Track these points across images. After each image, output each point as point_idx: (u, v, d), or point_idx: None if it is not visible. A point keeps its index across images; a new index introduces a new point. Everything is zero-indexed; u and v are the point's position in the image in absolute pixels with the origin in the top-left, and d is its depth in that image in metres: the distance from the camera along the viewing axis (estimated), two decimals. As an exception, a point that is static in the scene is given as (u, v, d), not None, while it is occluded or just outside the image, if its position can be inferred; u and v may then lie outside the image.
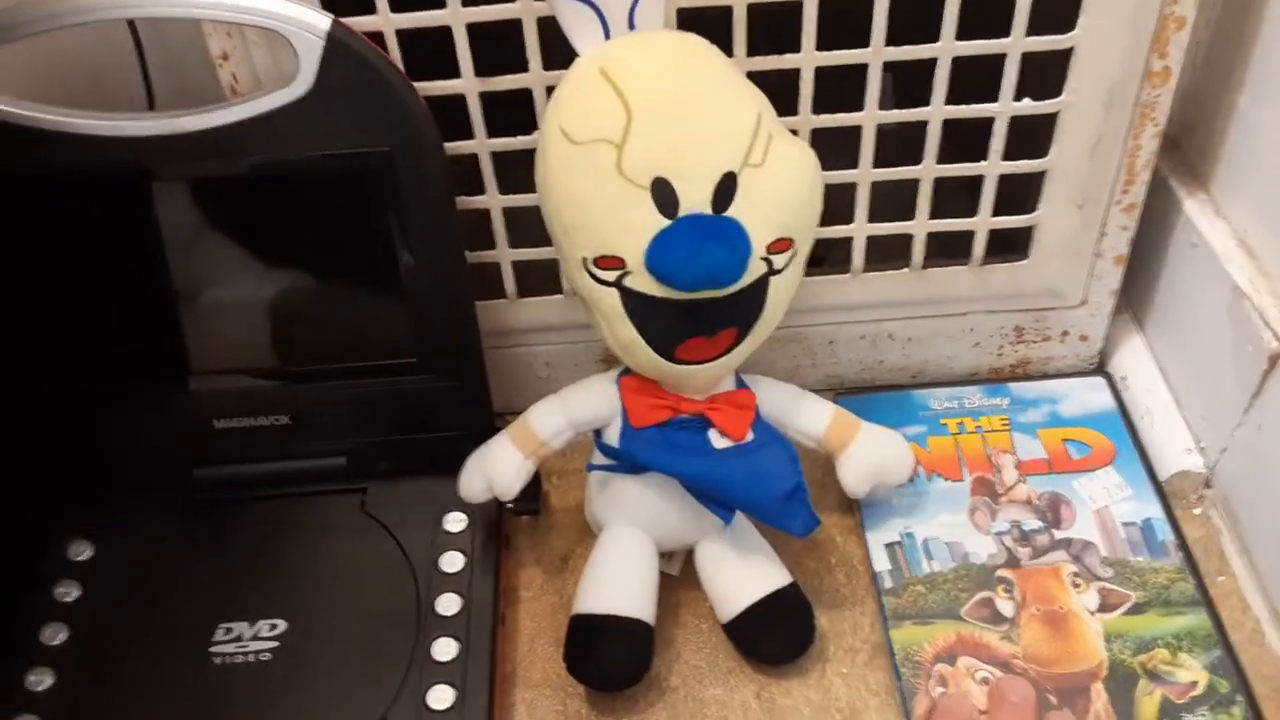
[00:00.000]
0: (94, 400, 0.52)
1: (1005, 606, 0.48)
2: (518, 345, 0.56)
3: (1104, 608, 0.48)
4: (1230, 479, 0.52)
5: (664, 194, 0.39)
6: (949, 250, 0.53)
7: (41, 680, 0.48)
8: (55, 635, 0.49)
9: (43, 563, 0.52)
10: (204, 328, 0.51)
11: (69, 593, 0.51)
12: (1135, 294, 0.59)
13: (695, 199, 0.39)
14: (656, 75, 0.39)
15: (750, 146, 0.40)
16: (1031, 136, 0.49)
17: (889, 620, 0.49)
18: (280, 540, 0.52)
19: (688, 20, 0.42)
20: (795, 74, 0.46)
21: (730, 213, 0.40)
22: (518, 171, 0.48)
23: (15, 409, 0.51)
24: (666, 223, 0.40)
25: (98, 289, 0.49)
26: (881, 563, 0.51)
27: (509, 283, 0.53)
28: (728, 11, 0.43)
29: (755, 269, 0.41)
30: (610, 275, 0.41)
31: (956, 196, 0.51)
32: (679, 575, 0.52)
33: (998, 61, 0.46)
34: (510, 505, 0.52)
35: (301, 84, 0.42)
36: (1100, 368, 0.59)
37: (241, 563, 0.52)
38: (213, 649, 0.48)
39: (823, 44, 0.45)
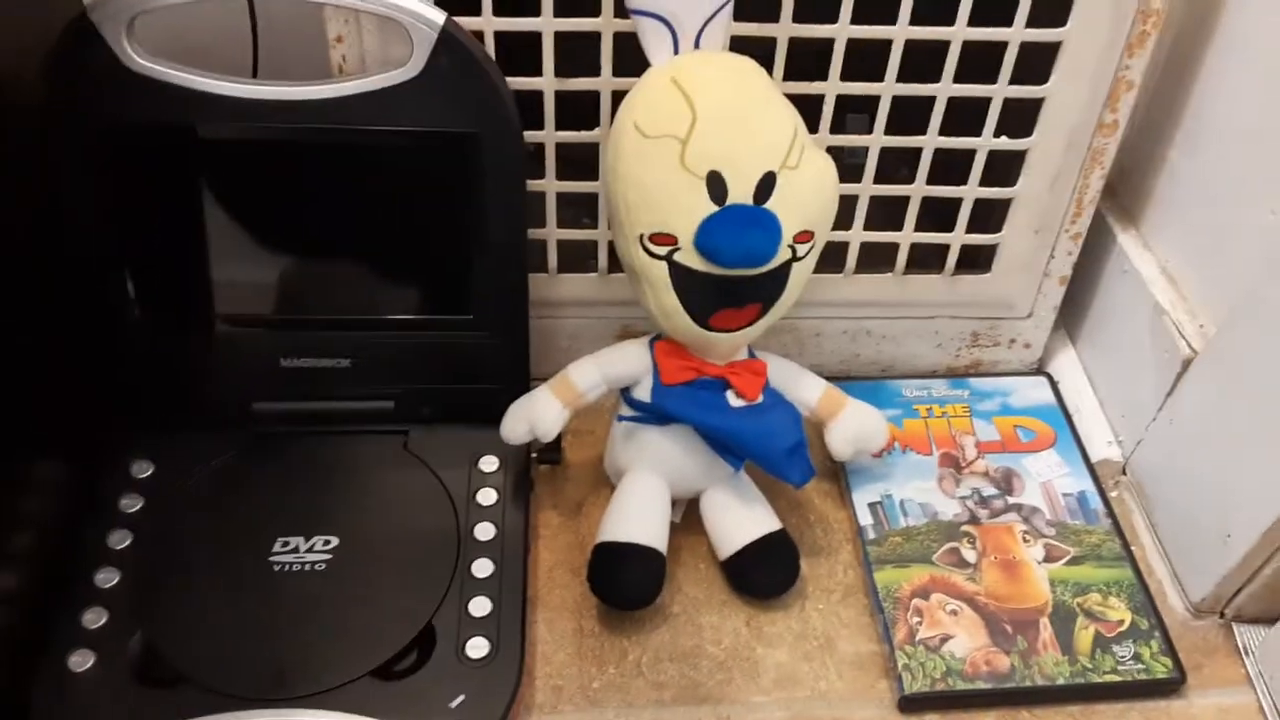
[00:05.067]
0: (173, 330, 0.56)
1: (969, 554, 0.57)
2: (548, 317, 0.63)
3: (1049, 559, 0.57)
4: (1143, 466, 0.62)
5: (716, 185, 0.47)
6: (922, 262, 0.62)
7: (110, 579, 0.51)
8: (122, 540, 0.53)
9: (107, 477, 0.55)
10: (285, 275, 0.56)
11: (133, 504, 0.54)
12: (1069, 310, 0.69)
13: (741, 191, 0.47)
14: (719, 86, 0.47)
15: (789, 152, 0.48)
16: (991, 169, 0.58)
17: (873, 565, 0.57)
18: (330, 470, 0.57)
19: (738, 44, 0.50)
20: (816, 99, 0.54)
21: (768, 205, 0.48)
22: (567, 163, 0.56)
23: (94, 331, 0.55)
24: (715, 209, 0.47)
25: (195, 231, 0.54)
26: (865, 518, 0.59)
27: (552, 258, 0.60)
28: (772, 41, 0.52)
29: (783, 254, 0.49)
30: (662, 250, 0.49)
31: (921, 218, 0.60)
32: (680, 523, 0.59)
33: (975, 103, 0.55)
34: (535, 455, 0.59)
35: (411, 69, 0.48)
36: (1039, 371, 0.69)
37: (295, 487, 0.56)
38: (272, 558, 0.52)
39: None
